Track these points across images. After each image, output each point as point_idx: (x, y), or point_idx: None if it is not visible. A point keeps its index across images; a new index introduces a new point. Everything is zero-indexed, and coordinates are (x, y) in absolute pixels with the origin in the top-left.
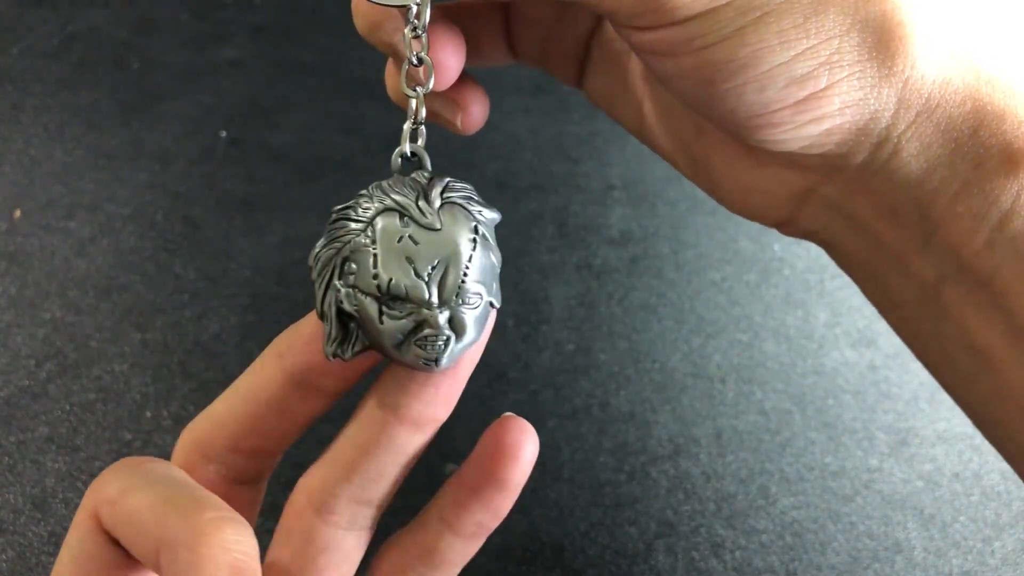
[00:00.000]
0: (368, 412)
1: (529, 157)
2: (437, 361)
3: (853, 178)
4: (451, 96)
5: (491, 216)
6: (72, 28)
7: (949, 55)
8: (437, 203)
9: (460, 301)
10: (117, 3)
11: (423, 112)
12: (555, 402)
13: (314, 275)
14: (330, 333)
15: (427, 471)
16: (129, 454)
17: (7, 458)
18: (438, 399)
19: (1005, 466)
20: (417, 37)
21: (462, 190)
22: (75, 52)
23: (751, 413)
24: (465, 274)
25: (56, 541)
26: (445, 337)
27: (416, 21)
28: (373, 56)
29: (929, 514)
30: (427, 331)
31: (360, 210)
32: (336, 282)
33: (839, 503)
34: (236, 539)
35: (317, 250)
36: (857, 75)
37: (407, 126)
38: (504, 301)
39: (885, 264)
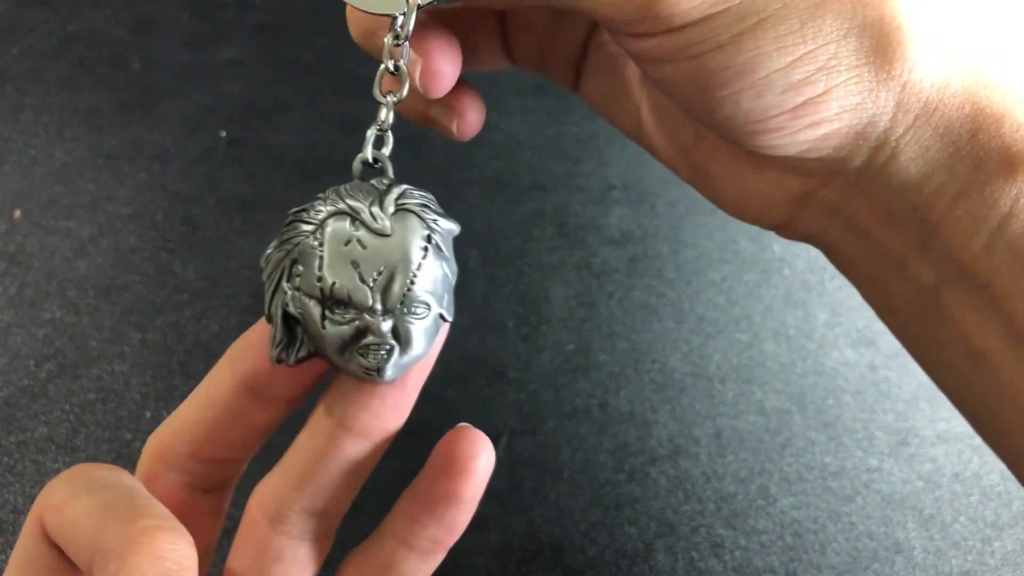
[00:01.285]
0: (316, 421)
1: (529, 157)
2: (380, 372)
3: (851, 181)
4: (448, 102)
5: (448, 226)
6: (72, 28)
7: (948, 58)
8: (391, 209)
9: (405, 310)
10: (117, 3)
11: (391, 119)
12: (555, 402)
13: (264, 276)
14: (275, 336)
15: None
16: (129, 454)
17: (7, 458)
18: (384, 410)
19: (1004, 467)
20: (398, 45)
21: (420, 198)
22: (75, 52)
23: (751, 413)
24: (412, 282)
25: None
26: (388, 347)
27: (399, 30)
28: (373, 56)
29: (929, 514)
30: (369, 339)
31: (313, 212)
32: (284, 284)
33: (839, 503)
34: (169, 547)
35: (268, 252)
36: (855, 79)
37: (371, 132)
38: (504, 301)
39: (884, 267)
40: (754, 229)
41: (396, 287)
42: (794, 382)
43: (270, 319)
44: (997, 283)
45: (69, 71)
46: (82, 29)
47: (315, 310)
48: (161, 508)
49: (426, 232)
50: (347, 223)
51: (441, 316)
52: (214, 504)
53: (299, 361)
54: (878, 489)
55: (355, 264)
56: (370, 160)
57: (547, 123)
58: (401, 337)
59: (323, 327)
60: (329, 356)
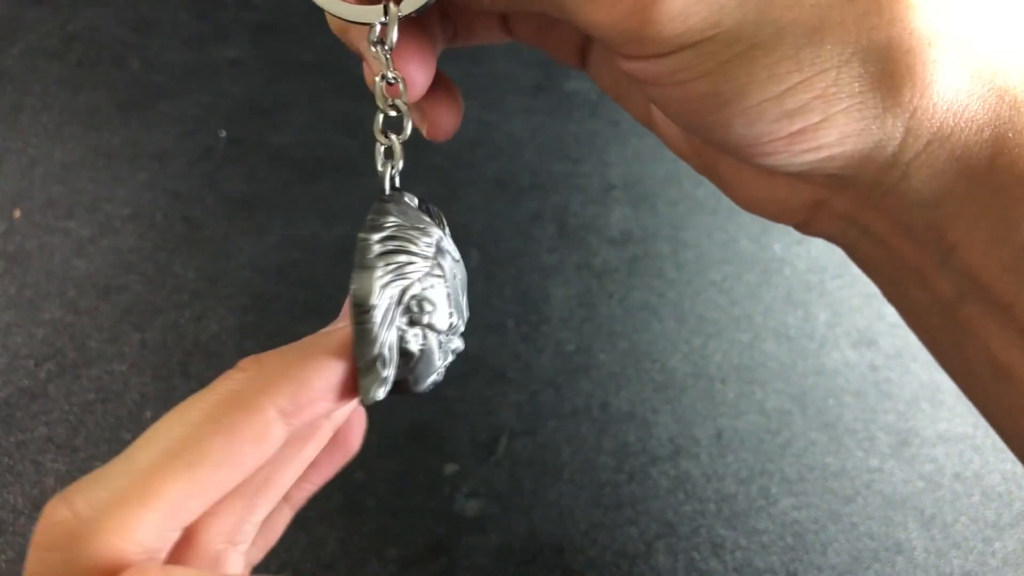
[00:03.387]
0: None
1: (529, 157)
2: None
3: (863, 195)
4: (419, 103)
5: None
6: (72, 28)
7: (968, 78)
8: (449, 233)
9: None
10: (117, 3)
11: (400, 164)
12: (555, 402)
13: (377, 316)
14: (387, 377)
15: (427, 471)
16: None
17: (7, 458)
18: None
19: (1006, 467)
20: (385, 53)
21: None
22: (75, 52)
23: (752, 413)
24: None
25: None
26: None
27: (381, 39)
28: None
29: (930, 515)
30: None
31: (423, 245)
32: (400, 322)
33: (840, 503)
34: None
35: (379, 286)
36: (857, 107)
37: (386, 173)
38: (504, 301)
39: (903, 275)
40: (755, 228)
41: (465, 304)
42: (795, 382)
43: (376, 359)
44: (1020, 304)
45: (69, 71)
46: (82, 29)
47: (435, 342)
48: None
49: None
50: (449, 257)
51: None
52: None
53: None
54: (879, 489)
55: (458, 294)
56: (392, 188)
57: (547, 123)
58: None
59: (438, 358)
60: (420, 379)
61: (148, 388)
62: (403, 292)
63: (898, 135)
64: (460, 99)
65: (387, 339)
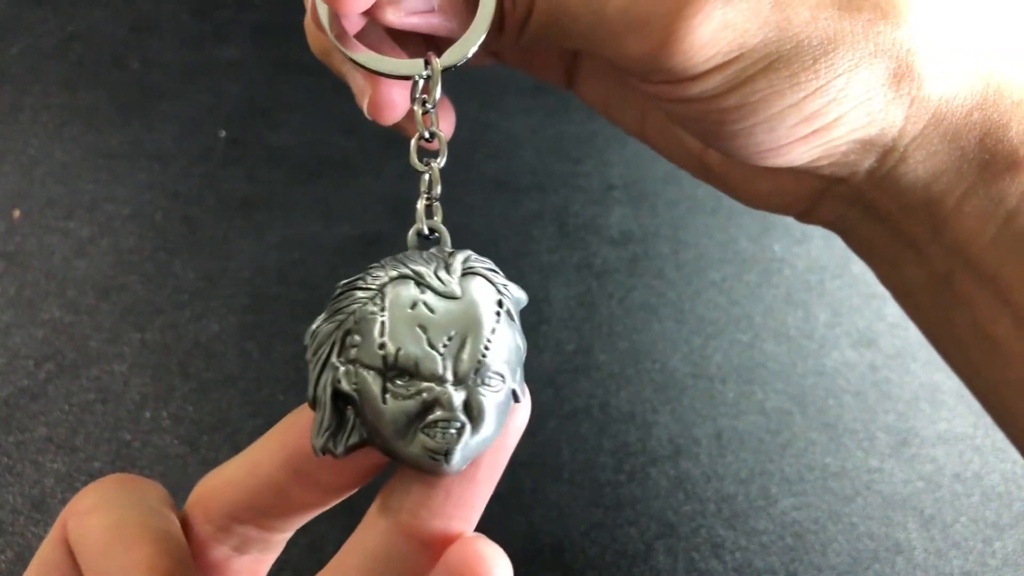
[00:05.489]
0: (371, 520)
1: (529, 157)
2: (448, 456)
3: (864, 179)
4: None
5: (518, 295)
6: (72, 28)
7: (958, 69)
8: (458, 271)
9: (479, 380)
10: (117, 3)
11: (438, 188)
12: (555, 402)
13: (309, 355)
14: (322, 422)
15: None
16: (128, 455)
17: (6, 458)
18: (449, 507)
19: (1006, 467)
20: (427, 113)
21: (487, 262)
22: (75, 52)
23: (751, 413)
24: (487, 347)
25: None
26: (459, 423)
27: (425, 96)
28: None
29: (930, 515)
30: (438, 414)
31: (370, 279)
32: (334, 360)
33: (840, 504)
34: None
35: (315, 326)
36: (865, 104)
37: (420, 203)
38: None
39: (900, 250)
40: (755, 228)
41: (469, 353)
42: (795, 382)
43: (315, 402)
44: (1003, 276)
45: (69, 71)
46: (82, 29)
47: (375, 383)
48: (171, 537)
49: (497, 297)
50: (411, 286)
51: (513, 393)
52: (248, 568)
53: (349, 450)
54: (879, 490)
55: (423, 328)
56: (426, 232)
57: (547, 123)
58: (474, 412)
59: (384, 402)
60: (387, 439)
61: (148, 388)
62: (338, 327)
63: (899, 122)
64: (451, 108)
65: (324, 379)
